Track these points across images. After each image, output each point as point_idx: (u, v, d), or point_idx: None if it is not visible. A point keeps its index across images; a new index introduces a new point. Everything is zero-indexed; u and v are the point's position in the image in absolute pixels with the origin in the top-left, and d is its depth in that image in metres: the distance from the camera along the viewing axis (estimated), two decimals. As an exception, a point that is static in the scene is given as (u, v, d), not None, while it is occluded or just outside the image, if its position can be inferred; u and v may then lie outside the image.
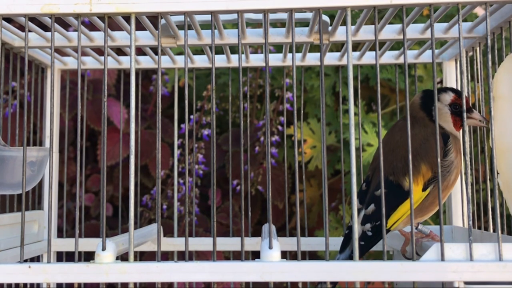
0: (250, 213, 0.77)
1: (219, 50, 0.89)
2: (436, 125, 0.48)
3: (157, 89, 0.49)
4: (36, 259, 0.76)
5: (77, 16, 0.50)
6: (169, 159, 1.04)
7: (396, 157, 0.60)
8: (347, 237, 0.61)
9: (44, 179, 0.76)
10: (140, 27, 0.60)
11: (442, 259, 0.47)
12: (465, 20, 0.70)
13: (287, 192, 0.82)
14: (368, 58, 0.78)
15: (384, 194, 0.47)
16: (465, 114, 0.49)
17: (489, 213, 0.61)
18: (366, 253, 0.62)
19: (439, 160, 0.48)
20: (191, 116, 0.98)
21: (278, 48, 1.05)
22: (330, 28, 0.63)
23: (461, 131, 0.61)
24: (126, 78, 0.97)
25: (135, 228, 0.54)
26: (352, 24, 0.51)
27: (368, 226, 0.59)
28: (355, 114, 0.93)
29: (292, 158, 1.05)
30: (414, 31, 0.65)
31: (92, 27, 0.69)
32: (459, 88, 0.72)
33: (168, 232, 0.97)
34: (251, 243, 0.77)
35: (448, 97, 0.62)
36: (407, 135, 0.47)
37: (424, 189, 0.58)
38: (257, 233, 0.91)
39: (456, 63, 0.76)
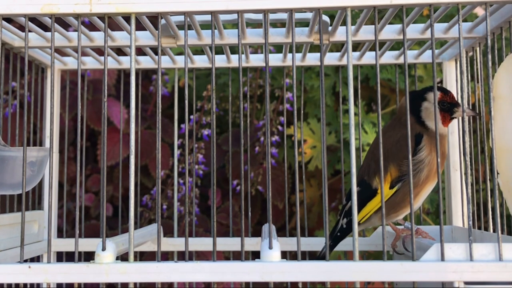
0: (250, 213, 0.77)
1: (219, 50, 0.89)
2: (436, 123, 0.48)
3: (157, 89, 0.49)
4: (36, 259, 0.76)
5: (77, 16, 0.50)
6: (169, 159, 1.04)
7: (373, 158, 0.65)
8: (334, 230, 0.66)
9: (44, 179, 0.76)
10: (140, 27, 0.60)
11: (442, 259, 0.47)
12: (465, 20, 0.70)
13: (287, 192, 0.82)
14: (368, 58, 0.78)
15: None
16: (465, 114, 0.49)
17: (489, 213, 0.61)
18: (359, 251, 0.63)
19: (439, 160, 0.48)
20: (191, 116, 0.98)
21: (278, 48, 1.05)
22: (330, 28, 0.63)
23: (461, 131, 0.62)
24: (126, 78, 0.97)
25: (135, 228, 0.54)
26: (352, 24, 0.51)
27: (345, 220, 0.65)
28: (355, 114, 0.93)
29: (292, 158, 1.05)
30: (414, 31, 0.65)
31: (92, 27, 0.69)
32: (459, 88, 0.72)
33: (168, 232, 0.97)
34: (251, 243, 0.77)
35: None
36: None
37: (391, 187, 0.62)
38: (257, 233, 0.91)
39: (456, 63, 0.76)
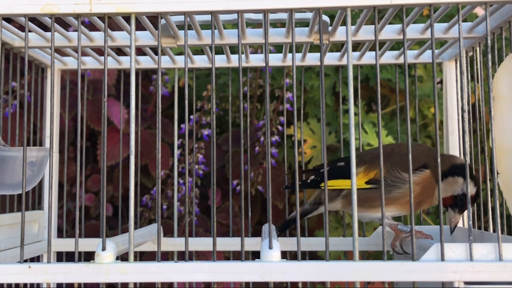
0: (250, 213, 0.77)
1: (219, 50, 0.89)
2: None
3: (157, 89, 0.49)
4: (36, 259, 0.76)
5: (77, 16, 0.50)
6: (169, 159, 1.04)
7: (376, 153, 0.66)
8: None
9: (44, 179, 0.76)
10: (140, 27, 0.60)
11: (442, 259, 0.47)
12: (465, 20, 0.70)
13: (287, 192, 0.82)
14: (368, 58, 0.78)
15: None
16: (466, 114, 0.49)
17: (489, 213, 0.61)
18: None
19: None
20: (191, 116, 0.98)
21: (278, 48, 1.05)
22: (330, 28, 0.63)
23: (461, 131, 0.61)
24: (126, 78, 0.97)
25: (135, 228, 0.54)
26: (352, 24, 0.51)
27: (313, 177, 0.68)
28: (355, 114, 0.93)
29: (292, 158, 1.05)
30: (414, 31, 0.65)
31: (92, 27, 0.69)
32: (459, 88, 0.72)
33: (168, 232, 0.97)
34: (251, 243, 0.77)
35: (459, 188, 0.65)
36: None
37: (367, 183, 0.63)
38: (257, 233, 0.91)
39: (456, 63, 0.76)
